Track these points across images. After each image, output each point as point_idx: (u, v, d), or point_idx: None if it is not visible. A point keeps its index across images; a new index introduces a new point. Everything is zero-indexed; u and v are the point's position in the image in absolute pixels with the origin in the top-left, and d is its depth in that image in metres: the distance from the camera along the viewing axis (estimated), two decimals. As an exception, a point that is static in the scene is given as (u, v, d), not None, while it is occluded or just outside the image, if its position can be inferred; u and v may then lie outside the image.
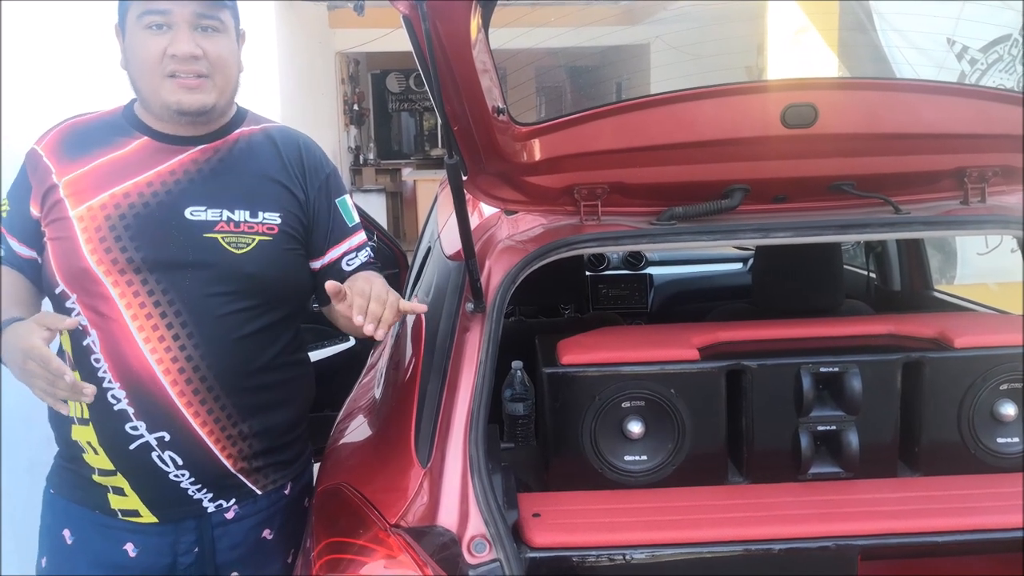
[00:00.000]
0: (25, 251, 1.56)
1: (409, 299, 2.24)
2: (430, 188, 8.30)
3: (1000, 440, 1.63)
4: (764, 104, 1.64)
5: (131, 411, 1.49)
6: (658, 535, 1.45)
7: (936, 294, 2.73)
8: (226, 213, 1.53)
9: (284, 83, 6.43)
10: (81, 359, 1.51)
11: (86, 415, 1.52)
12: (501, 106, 1.53)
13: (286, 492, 1.67)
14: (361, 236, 1.69)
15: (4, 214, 1.58)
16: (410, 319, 1.99)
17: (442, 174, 1.54)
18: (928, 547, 1.47)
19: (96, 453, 1.53)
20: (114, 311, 1.48)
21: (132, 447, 1.50)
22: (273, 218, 1.57)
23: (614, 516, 1.50)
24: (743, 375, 1.61)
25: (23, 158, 1.57)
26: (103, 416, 1.50)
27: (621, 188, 1.71)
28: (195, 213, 1.51)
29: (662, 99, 1.62)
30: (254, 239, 1.54)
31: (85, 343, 1.49)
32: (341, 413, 2.02)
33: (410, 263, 2.80)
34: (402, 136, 13.97)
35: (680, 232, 1.67)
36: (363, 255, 1.67)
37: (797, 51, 5.65)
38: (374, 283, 1.45)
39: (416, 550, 1.30)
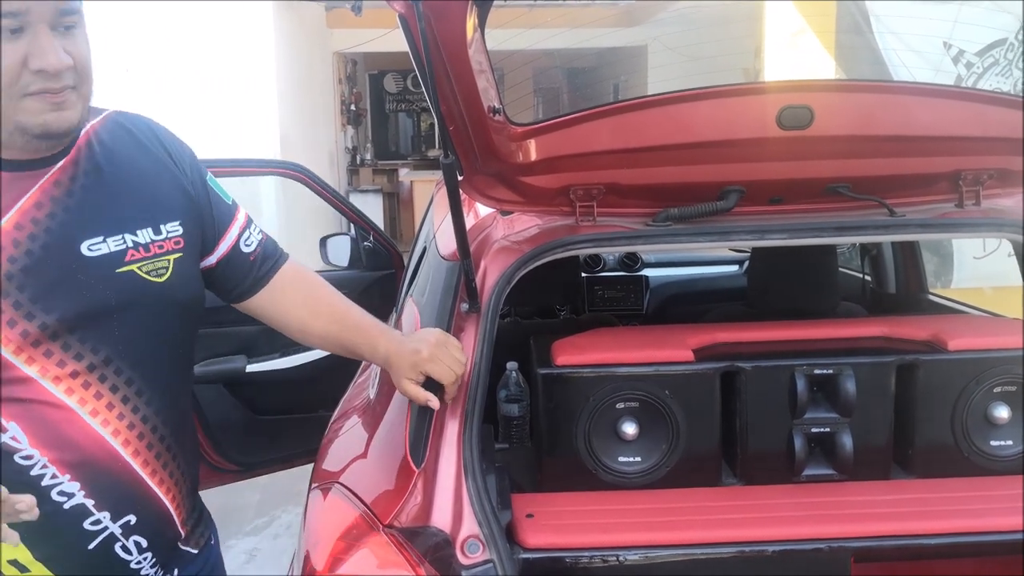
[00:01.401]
0: None
1: (404, 299, 2.24)
2: (427, 188, 8.30)
3: (993, 443, 1.64)
4: (760, 106, 1.64)
5: (90, 503, 1.23)
6: (652, 536, 1.45)
7: (931, 297, 2.74)
8: (129, 238, 1.26)
9: (281, 83, 6.42)
10: None
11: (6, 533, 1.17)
12: (497, 106, 1.53)
13: (212, 543, 1.50)
14: (244, 212, 1.46)
15: None
16: (406, 321, 1.99)
17: (439, 175, 1.54)
18: (921, 549, 1.47)
19: (25, 571, 1.22)
20: (42, 393, 1.19)
21: (92, 546, 1.25)
22: (175, 228, 1.32)
23: (608, 517, 1.50)
24: (737, 376, 1.61)
25: None
26: (45, 521, 1.14)
27: (617, 189, 1.71)
28: (93, 248, 1.22)
29: (658, 100, 1.62)
30: (168, 260, 1.30)
31: (1, 441, 1.18)
32: (335, 413, 2.02)
33: (406, 263, 2.80)
34: (399, 137, 13.99)
35: (675, 233, 1.67)
36: (256, 230, 1.45)
37: (794, 53, 5.66)
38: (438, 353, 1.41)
39: (409, 550, 1.30)
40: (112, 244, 1.24)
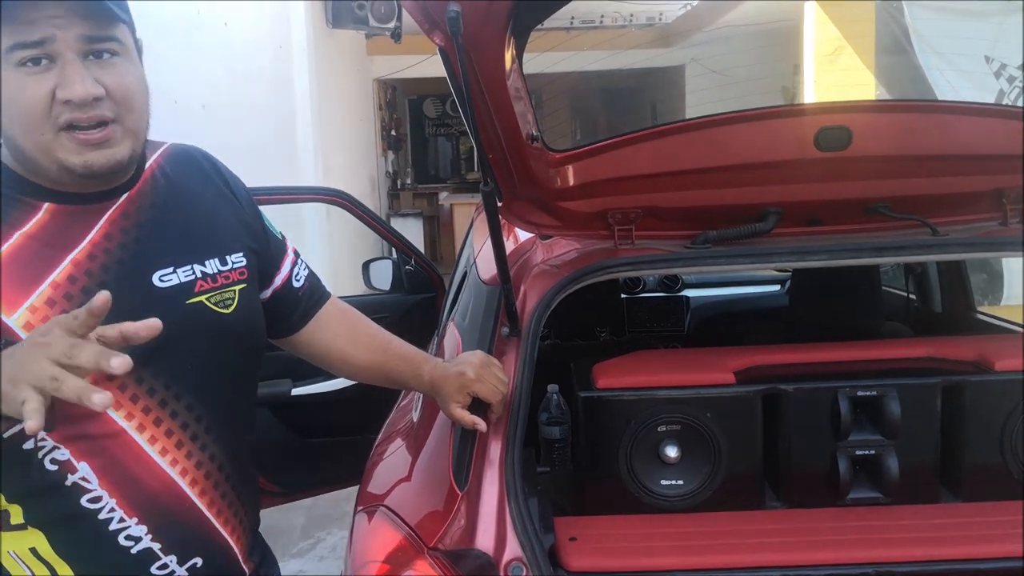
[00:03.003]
0: None
1: (446, 323, 2.27)
2: (466, 212, 8.37)
3: (1045, 464, 1.60)
4: (797, 128, 1.65)
5: (157, 547, 1.19)
6: (695, 560, 1.44)
7: (978, 316, 2.69)
8: (198, 268, 1.24)
9: (323, 110, 6.54)
10: (60, 506, 1.15)
11: (65, 573, 1.17)
12: (535, 133, 1.55)
13: (271, 573, 1.46)
14: (291, 246, 1.46)
15: None
16: (448, 344, 2.01)
17: (478, 198, 1.56)
18: (973, 574, 1.45)
19: None
20: (113, 428, 1.15)
21: None
22: (239, 259, 1.31)
23: (651, 540, 1.50)
24: (780, 399, 1.61)
25: None
26: (112, 566, 1.18)
27: (655, 212, 1.72)
28: (164, 279, 1.21)
29: (695, 124, 1.63)
30: (234, 291, 1.28)
31: (69, 483, 1.14)
32: (380, 436, 2.04)
33: (447, 287, 2.83)
34: (439, 160, 14.11)
35: (714, 256, 1.67)
36: (304, 267, 1.45)
37: (833, 73, 5.63)
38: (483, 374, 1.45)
39: (453, 573, 1.31)
40: (182, 275, 1.23)
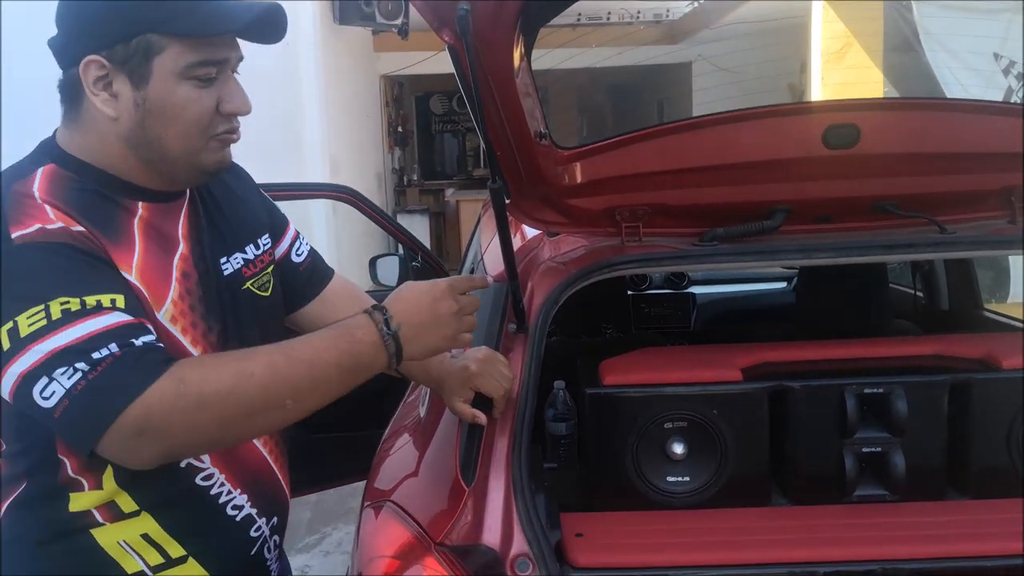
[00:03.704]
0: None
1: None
2: (473, 208, 8.37)
3: (1051, 463, 1.60)
4: (805, 125, 1.65)
5: (254, 512, 1.30)
6: (701, 556, 1.44)
7: (986, 313, 2.69)
8: (240, 256, 1.32)
9: (330, 107, 6.55)
10: (173, 488, 1.21)
11: (178, 553, 1.23)
12: (543, 131, 1.56)
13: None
14: (292, 224, 1.49)
15: (110, 302, 1.07)
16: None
17: (485, 194, 1.57)
18: (979, 572, 1.45)
19: None
20: None
21: (253, 552, 1.32)
22: (267, 241, 1.38)
23: (657, 537, 1.50)
24: (786, 396, 1.61)
25: (41, 245, 1.07)
26: (221, 536, 1.27)
27: (663, 209, 1.73)
28: (225, 267, 1.29)
29: (703, 121, 1.64)
30: (269, 273, 1.36)
31: (184, 465, 1.21)
32: (386, 431, 2.05)
33: (453, 284, 2.83)
34: (445, 157, 14.12)
35: (722, 253, 1.68)
36: (305, 244, 1.49)
37: (841, 71, 5.62)
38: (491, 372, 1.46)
39: (461, 569, 1.32)
40: (234, 263, 1.31)
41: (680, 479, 1.61)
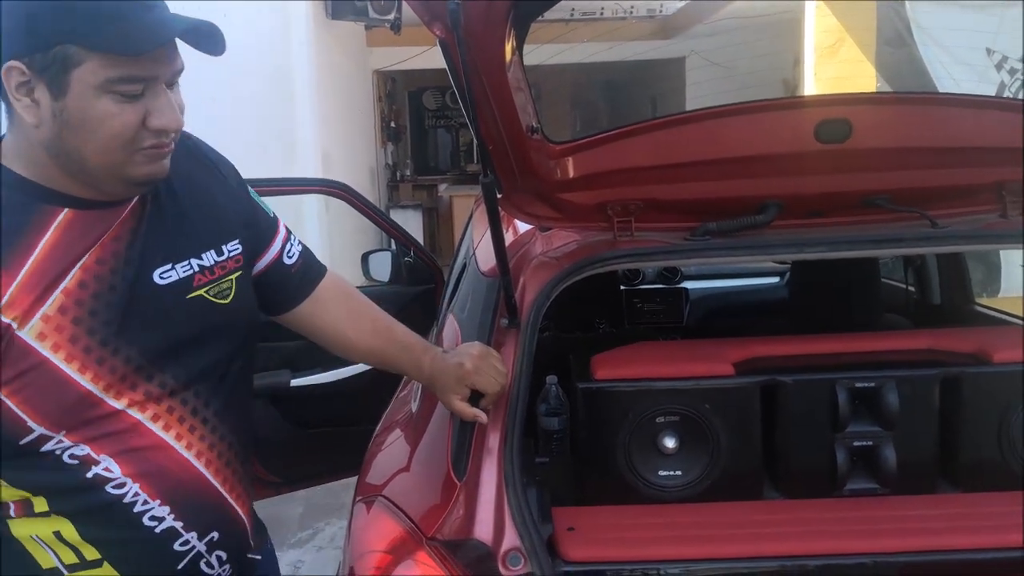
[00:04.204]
0: None
1: (445, 314, 2.27)
2: (466, 203, 8.36)
3: (1041, 456, 1.61)
4: (797, 120, 1.65)
5: (179, 525, 1.26)
6: (693, 550, 1.45)
7: (977, 308, 2.70)
8: (195, 263, 1.28)
9: (322, 102, 6.53)
10: (83, 495, 1.20)
11: (93, 556, 1.22)
12: (535, 125, 1.55)
13: (268, 546, 1.55)
14: (283, 225, 1.47)
15: None
16: (447, 336, 2.01)
17: (478, 190, 1.56)
18: (969, 565, 1.45)
19: None
20: (129, 423, 1.21)
21: (180, 566, 1.28)
22: (235, 246, 1.34)
23: (649, 531, 1.50)
24: (778, 390, 1.61)
25: None
26: (138, 546, 1.24)
27: (655, 204, 1.72)
28: (164, 275, 1.24)
29: (695, 116, 1.63)
30: (231, 280, 1.32)
31: (91, 475, 1.19)
32: (379, 426, 2.05)
33: (446, 279, 2.83)
34: (438, 152, 14.10)
35: (714, 248, 1.67)
36: (297, 244, 1.47)
37: (834, 65, 5.62)
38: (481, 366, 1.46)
39: (452, 563, 1.32)
40: (180, 271, 1.26)
41: (672, 473, 1.61)
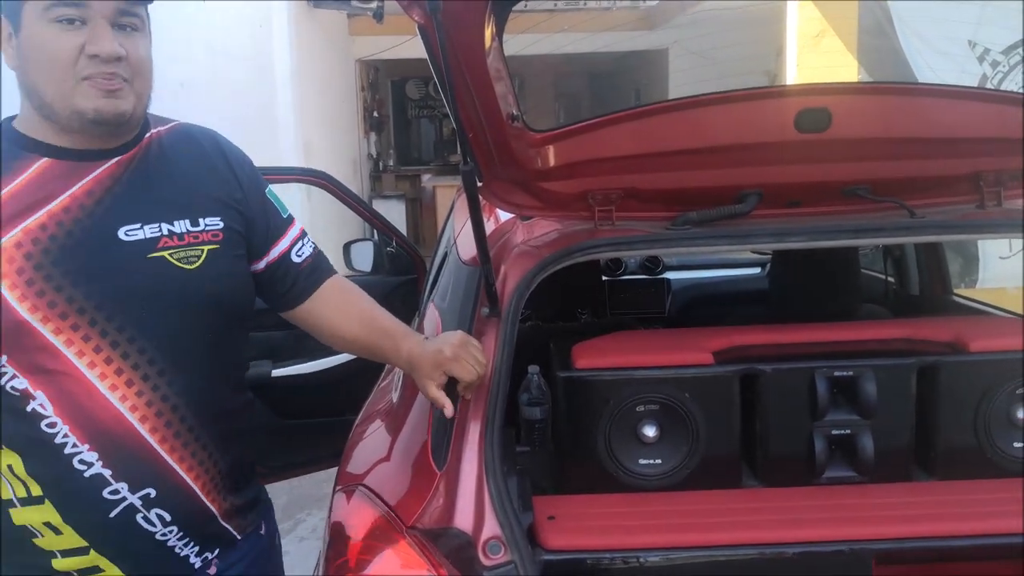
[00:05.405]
0: None
1: (426, 304, 2.27)
2: (449, 194, 8.34)
3: (1017, 444, 1.63)
4: (777, 109, 1.65)
5: (108, 474, 1.30)
6: (672, 538, 1.45)
7: (955, 298, 2.72)
8: (165, 227, 1.35)
9: (304, 91, 6.49)
10: (25, 429, 1.29)
11: (36, 492, 1.31)
12: (515, 113, 1.55)
13: (262, 533, 1.58)
14: (299, 226, 1.56)
15: None
16: (428, 325, 2.01)
17: (460, 180, 1.56)
18: (944, 551, 1.47)
19: (59, 533, 1.32)
20: (65, 364, 1.27)
21: (113, 515, 1.32)
22: (215, 223, 1.40)
23: (628, 519, 1.51)
24: (757, 379, 1.62)
25: None
26: (70, 487, 1.30)
27: (635, 193, 1.72)
28: (130, 233, 1.32)
29: (675, 105, 1.63)
30: (202, 250, 1.38)
31: (29, 408, 1.28)
32: (359, 416, 2.04)
33: (428, 268, 2.83)
34: (421, 142, 14.05)
35: (694, 237, 1.68)
36: (308, 243, 1.55)
37: (816, 56, 5.63)
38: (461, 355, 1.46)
39: (432, 552, 1.32)
40: (148, 231, 1.34)
41: (652, 462, 1.61)
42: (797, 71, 5.80)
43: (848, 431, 1.61)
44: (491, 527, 1.35)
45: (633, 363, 1.62)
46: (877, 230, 1.70)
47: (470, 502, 1.39)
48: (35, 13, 1.26)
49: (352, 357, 2.65)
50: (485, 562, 1.32)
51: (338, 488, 1.67)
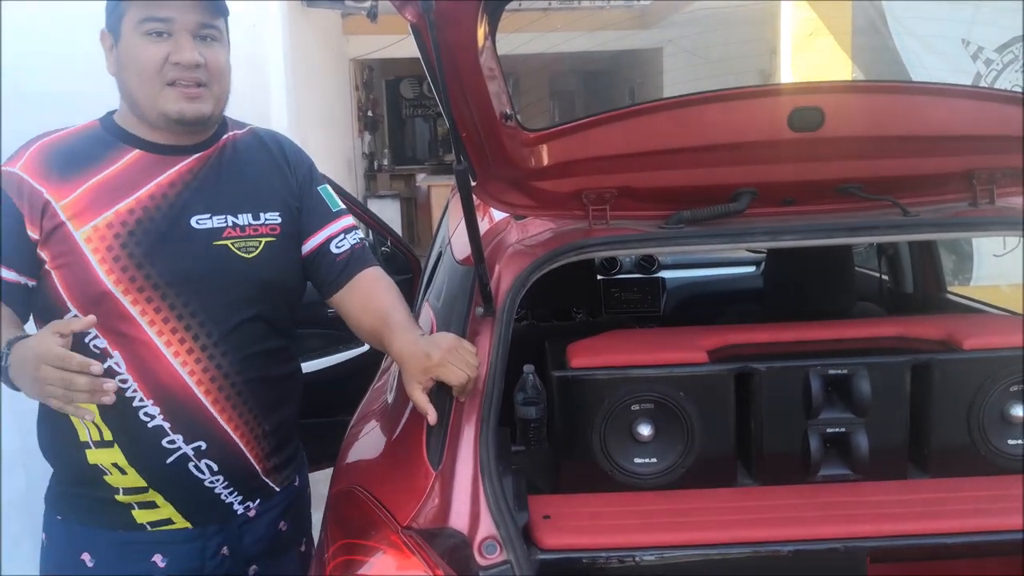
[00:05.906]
0: (12, 276, 1.49)
1: (421, 303, 2.27)
2: (444, 193, 8.32)
3: (1011, 442, 1.63)
4: (771, 108, 1.65)
5: (167, 426, 1.52)
6: (667, 537, 1.46)
7: (949, 296, 2.73)
8: (230, 218, 1.56)
9: (299, 90, 6.47)
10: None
11: (108, 437, 1.52)
12: (509, 112, 1.54)
13: (296, 484, 1.77)
14: (348, 221, 1.70)
15: None
16: (422, 325, 2.01)
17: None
18: (938, 549, 1.47)
19: (124, 473, 1.54)
20: (138, 330, 1.49)
21: (169, 461, 1.53)
22: (274, 217, 1.61)
23: (624, 518, 1.51)
24: (752, 378, 1.62)
25: None
26: (135, 435, 1.52)
27: (629, 192, 1.72)
28: (201, 222, 1.54)
29: (668, 104, 1.63)
30: (260, 241, 1.58)
31: (106, 365, 1.46)
32: (355, 417, 2.04)
33: (423, 268, 2.82)
34: (416, 142, 14.03)
35: (688, 236, 1.68)
36: (352, 238, 1.68)
37: (810, 55, 5.64)
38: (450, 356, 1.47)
39: (427, 551, 1.32)
40: (216, 221, 1.55)
41: (647, 460, 1.62)
42: (791, 70, 5.81)
43: (842, 429, 1.62)
44: (487, 527, 1.35)
45: (628, 362, 1.62)
46: (871, 228, 1.70)
47: (466, 502, 1.39)
48: (130, 27, 1.48)
49: (347, 358, 2.66)
50: (481, 562, 1.32)
51: (333, 488, 1.67)
